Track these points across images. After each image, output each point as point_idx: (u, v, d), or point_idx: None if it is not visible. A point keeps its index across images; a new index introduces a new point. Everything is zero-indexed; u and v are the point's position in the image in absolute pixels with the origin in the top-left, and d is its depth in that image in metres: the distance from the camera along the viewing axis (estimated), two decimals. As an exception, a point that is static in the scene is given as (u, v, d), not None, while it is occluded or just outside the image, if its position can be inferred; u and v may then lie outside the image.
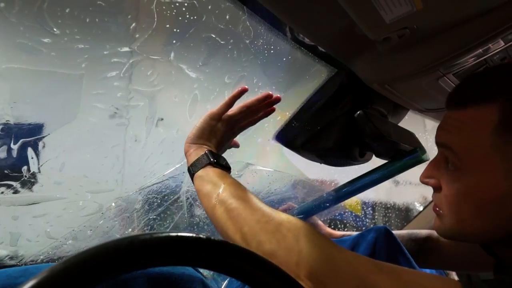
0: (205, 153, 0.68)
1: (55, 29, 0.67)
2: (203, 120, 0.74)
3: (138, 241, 0.30)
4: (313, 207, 0.99)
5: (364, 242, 0.82)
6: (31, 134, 0.71)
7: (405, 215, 1.87)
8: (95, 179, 0.83)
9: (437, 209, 0.61)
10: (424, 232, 1.03)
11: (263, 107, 0.77)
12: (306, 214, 1.01)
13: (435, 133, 0.61)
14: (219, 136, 0.74)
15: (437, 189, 0.61)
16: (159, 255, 0.32)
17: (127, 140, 0.83)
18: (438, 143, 0.60)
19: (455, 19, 0.56)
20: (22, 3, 0.63)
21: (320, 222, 1.13)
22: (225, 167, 0.70)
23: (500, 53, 0.62)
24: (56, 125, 0.74)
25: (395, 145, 0.86)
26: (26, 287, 0.23)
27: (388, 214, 1.82)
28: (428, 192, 1.90)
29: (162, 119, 0.86)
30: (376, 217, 1.79)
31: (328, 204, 0.98)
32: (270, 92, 0.76)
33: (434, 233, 1.01)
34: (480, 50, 0.60)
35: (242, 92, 0.75)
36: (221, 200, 0.60)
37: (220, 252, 0.36)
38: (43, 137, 0.73)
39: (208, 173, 0.66)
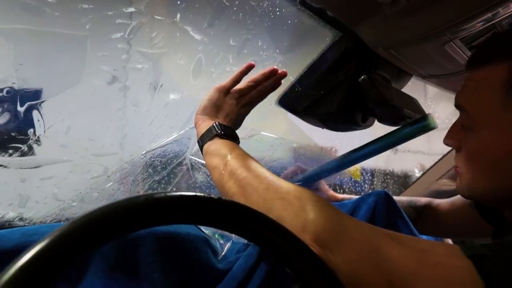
0: (213, 125, 0.70)
1: (58, -12, 0.65)
2: (212, 93, 0.76)
3: (153, 199, 0.31)
4: (317, 173, 1.00)
5: (365, 205, 0.83)
6: (36, 97, 0.70)
7: (403, 181, 1.90)
8: (100, 142, 0.83)
9: (458, 169, 0.64)
10: (423, 199, 1.05)
11: (270, 82, 0.80)
12: (311, 180, 1.02)
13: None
14: (228, 109, 0.76)
15: (458, 150, 0.64)
16: (173, 213, 0.33)
17: (131, 103, 0.83)
18: (455, 105, 0.63)
19: (465, -19, 0.55)
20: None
21: (325, 186, 1.15)
22: (233, 138, 0.71)
23: (509, 17, 0.62)
24: (61, 88, 0.74)
25: (398, 110, 0.87)
26: (53, 237, 0.24)
27: (386, 180, 1.84)
28: (425, 160, 1.93)
29: (161, 85, 0.86)
30: (375, 183, 1.82)
31: (332, 171, 0.99)
32: (276, 67, 0.79)
33: (433, 201, 1.03)
34: (490, 14, 0.60)
35: (249, 67, 0.78)
36: (230, 171, 0.61)
37: (230, 212, 0.37)
38: (48, 100, 0.73)
39: (216, 145, 0.67)
